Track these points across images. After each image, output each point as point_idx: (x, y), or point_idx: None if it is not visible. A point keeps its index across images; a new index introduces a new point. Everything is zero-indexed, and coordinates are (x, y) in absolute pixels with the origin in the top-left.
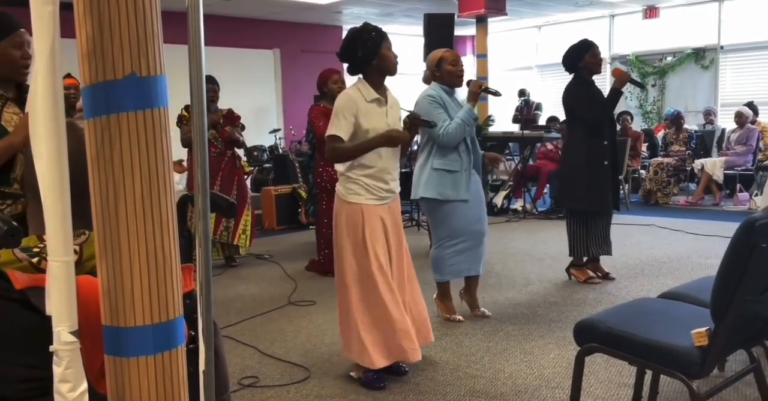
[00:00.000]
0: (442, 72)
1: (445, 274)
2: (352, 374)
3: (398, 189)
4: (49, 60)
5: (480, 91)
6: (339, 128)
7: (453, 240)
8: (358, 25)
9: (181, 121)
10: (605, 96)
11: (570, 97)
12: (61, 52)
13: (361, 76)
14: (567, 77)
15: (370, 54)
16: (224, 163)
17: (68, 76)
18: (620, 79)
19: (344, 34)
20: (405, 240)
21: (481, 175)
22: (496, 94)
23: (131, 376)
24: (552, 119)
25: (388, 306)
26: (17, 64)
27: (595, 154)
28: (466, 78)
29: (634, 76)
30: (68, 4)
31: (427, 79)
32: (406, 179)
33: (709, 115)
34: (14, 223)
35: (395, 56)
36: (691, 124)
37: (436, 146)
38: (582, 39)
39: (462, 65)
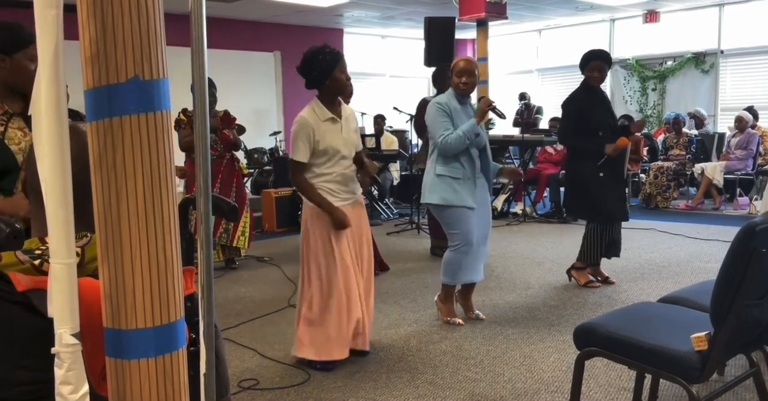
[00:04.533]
0: (451, 81)
1: (457, 278)
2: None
3: (359, 191)
4: (52, 63)
5: (488, 109)
6: (298, 152)
7: (468, 246)
8: (358, 31)
9: (179, 125)
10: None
11: (564, 106)
12: (64, 56)
13: (316, 96)
14: (567, 81)
15: (323, 75)
16: (223, 165)
17: None
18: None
19: (345, 37)
20: (370, 242)
21: (490, 184)
22: (501, 116)
23: (132, 378)
24: (554, 119)
25: (343, 304)
26: (31, 76)
27: (584, 165)
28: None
29: (635, 80)
30: (72, 5)
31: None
32: (405, 183)
33: (698, 118)
34: (17, 225)
35: (348, 78)
36: (691, 128)
37: (439, 153)
38: (596, 49)
39: (468, 77)
